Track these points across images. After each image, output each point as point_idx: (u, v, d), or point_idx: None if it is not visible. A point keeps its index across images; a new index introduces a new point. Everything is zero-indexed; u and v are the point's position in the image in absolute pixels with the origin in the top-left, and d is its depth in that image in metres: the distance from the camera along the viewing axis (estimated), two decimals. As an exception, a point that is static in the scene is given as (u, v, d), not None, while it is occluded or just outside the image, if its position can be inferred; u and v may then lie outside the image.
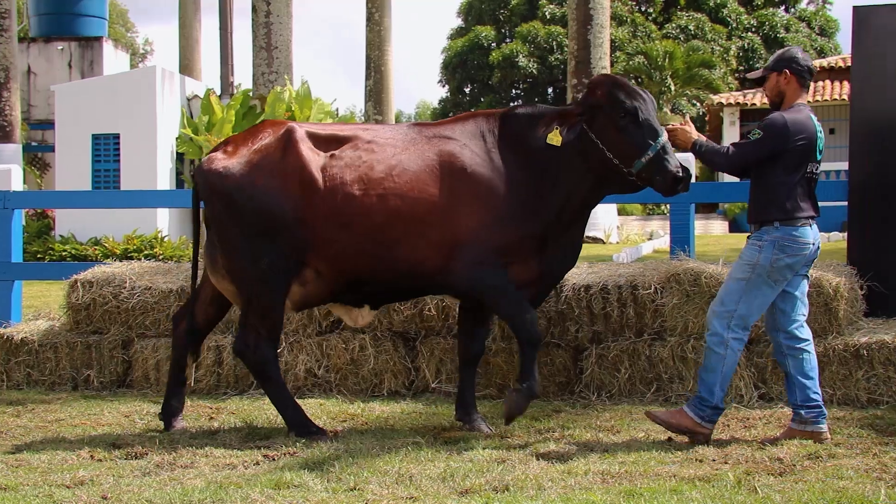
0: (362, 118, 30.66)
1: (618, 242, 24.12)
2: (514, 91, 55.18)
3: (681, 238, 9.08)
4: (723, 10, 53.89)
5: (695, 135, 6.68)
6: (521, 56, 50.39)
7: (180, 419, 7.14)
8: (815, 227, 6.48)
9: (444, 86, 56.31)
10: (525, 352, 6.74)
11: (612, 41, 45.25)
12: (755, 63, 53.33)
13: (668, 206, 10.25)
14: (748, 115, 38.42)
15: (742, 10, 54.91)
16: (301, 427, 6.72)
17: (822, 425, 6.46)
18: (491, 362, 8.07)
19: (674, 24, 52.82)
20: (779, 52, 6.76)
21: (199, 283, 7.34)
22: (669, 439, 6.41)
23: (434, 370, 8.23)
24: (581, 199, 6.77)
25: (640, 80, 49.17)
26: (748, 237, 6.58)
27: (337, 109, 23.82)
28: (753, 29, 54.25)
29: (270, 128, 7.00)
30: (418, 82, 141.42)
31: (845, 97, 31.44)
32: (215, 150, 7.03)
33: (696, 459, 5.83)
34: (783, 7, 58.17)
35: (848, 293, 7.77)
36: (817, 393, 6.52)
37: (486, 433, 6.71)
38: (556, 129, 6.65)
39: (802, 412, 6.47)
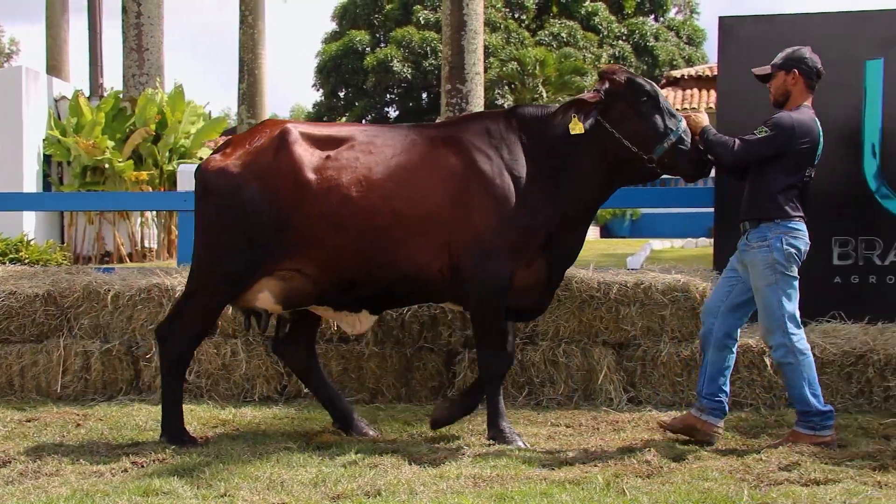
0: (236, 121, 30.42)
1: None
2: (388, 96, 55.14)
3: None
4: (594, 18, 54.56)
5: (706, 122, 6.69)
6: (395, 61, 50.36)
7: (358, 420, 7.02)
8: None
9: (318, 90, 56.02)
10: (489, 387, 6.68)
11: (486, 47, 45.52)
12: (626, 71, 54.01)
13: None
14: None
15: (613, 18, 55.65)
16: (174, 436, 6.62)
17: (718, 420, 6.59)
18: (364, 367, 8.06)
19: (546, 32, 53.30)
20: (788, 50, 6.72)
21: None
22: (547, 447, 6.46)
23: (306, 375, 8.17)
24: (591, 196, 6.73)
25: (513, 86, 49.56)
26: (746, 240, 6.58)
27: (210, 112, 23.54)
28: (624, 37, 55.04)
29: (269, 128, 6.92)
30: (293, 86, 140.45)
31: (712, 105, 32.09)
32: (216, 151, 6.99)
33: (567, 462, 5.88)
34: (652, 16, 59.13)
35: (714, 297, 7.90)
36: (725, 393, 6.64)
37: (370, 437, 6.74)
38: (575, 117, 6.55)
39: (704, 401, 6.61)
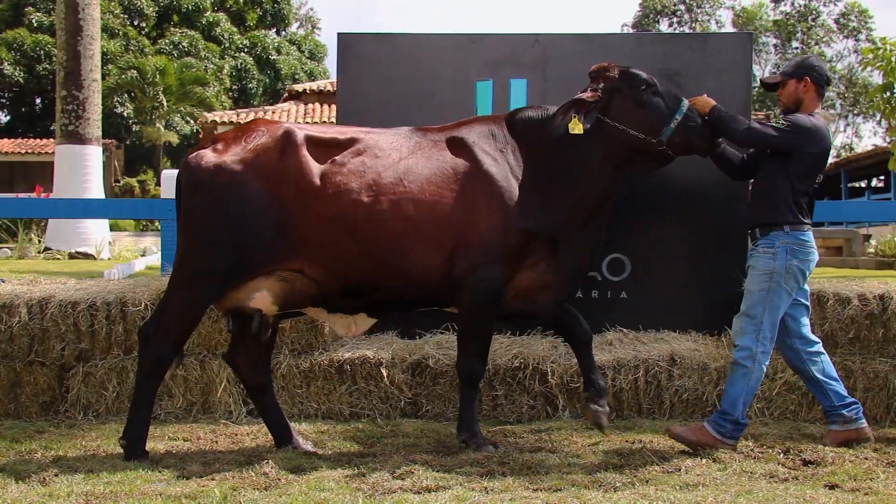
0: None
1: (109, 258, 23.63)
2: (-2, 99, 52.81)
3: (172, 254, 9.01)
4: (216, 29, 54.34)
5: (713, 101, 6.67)
6: (6, 64, 48.30)
7: (296, 435, 6.81)
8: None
9: (-82, 91, 52.90)
10: (463, 392, 6.67)
11: (104, 54, 44.36)
12: (248, 82, 54.09)
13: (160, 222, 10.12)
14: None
15: (235, 30, 55.61)
16: (132, 446, 6.34)
17: (863, 421, 6.65)
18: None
19: (167, 40, 52.61)
20: (797, 58, 6.80)
21: None
22: (160, 457, 6.33)
23: None
24: (599, 192, 6.66)
25: (132, 94, 48.58)
26: (754, 246, 6.64)
27: None
28: (246, 49, 55.08)
29: (264, 127, 6.57)
30: None
31: (333, 120, 32.55)
32: (202, 146, 6.55)
33: (184, 477, 5.79)
34: (275, 30, 59.48)
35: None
36: (844, 389, 6.72)
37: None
38: (574, 117, 6.50)
39: (844, 412, 6.64)
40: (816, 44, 66.55)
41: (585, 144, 6.62)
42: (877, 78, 24.77)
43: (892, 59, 23.20)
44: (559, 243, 6.64)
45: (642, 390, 7.72)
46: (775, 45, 68.25)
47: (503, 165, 6.62)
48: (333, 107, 34.24)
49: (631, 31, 65.36)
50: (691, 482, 5.67)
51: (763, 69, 67.25)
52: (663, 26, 68.62)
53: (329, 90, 37.88)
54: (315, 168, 6.47)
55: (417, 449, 6.60)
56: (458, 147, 6.69)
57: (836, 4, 66.84)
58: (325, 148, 6.60)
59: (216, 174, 6.42)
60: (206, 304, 6.59)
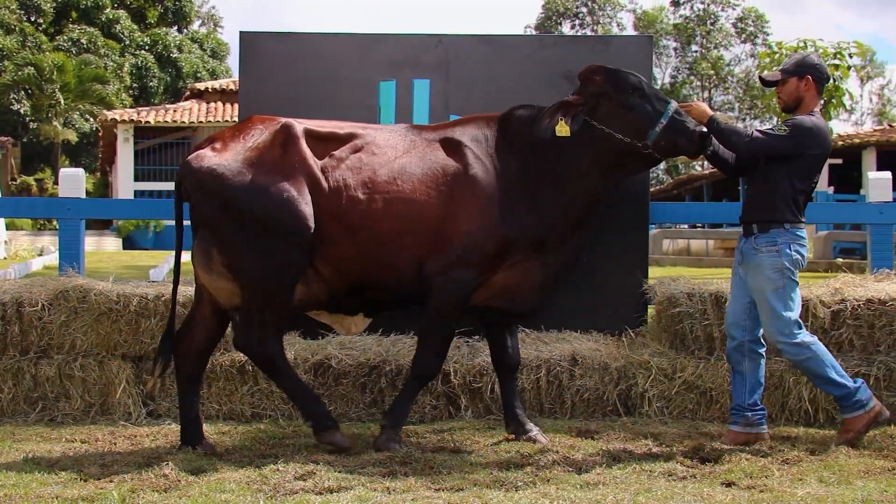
0: None
1: (5, 258, 23.24)
2: None
3: (70, 254, 8.90)
4: (116, 26, 53.65)
5: (710, 111, 6.62)
6: None
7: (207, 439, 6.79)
8: None
9: None
10: (409, 385, 6.76)
11: (1, 50, 43.65)
12: (149, 80, 53.48)
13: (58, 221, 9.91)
14: (142, 133, 38.46)
15: (135, 27, 54.95)
16: (321, 419, 6.57)
17: (765, 427, 6.71)
18: None
19: (66, 37, 51.82)
20: (797, 56, 6.81)
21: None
22: (123, 460, 6.23)
23: None
24: (588, 194, 6.64)
25: (29, 91, 47.78)
26: (753, 243, 6.65)
27: None
28: (147, 47, 54.44)
29: (261, 124, 6.55)
30: None
31: (237, 119, 32.28)
32: (201, 147, 6.45)
33: (81, 479, 5.71)
34: (176, 27, 58.89)
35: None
36: (761, 398, 6.78)
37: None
38: (562, 119, 6.47)
39: (749, 414, 6.69)
40: (715, 47, 67.62)
41: (574, 147, 6.64)
42: (773, 82, 25.24)
43: (789, 63, 23.63)
44: (547, 244, 6.69)
45: (544, 390, 7.77)
46: (675, 49, 69.22)
47: (491, 169, 6.65)
48: (236, 105, 34.00)
49: (534, 32, 65.84)
50: (592, 481, 5.74)
51: (664, 72, 68.20)
52: (566, 28, 69.18)
53: (232, 89, 37.61)
54: (318, 163, 6.51)
55: (319, 449, 6.57)
56: (451, 148, 6.72)
57: (734, 9, 67.96)
58: (323, 142, 6.64)
59: (221, 176, 6.38)
60: (291, 293, 6.49)
